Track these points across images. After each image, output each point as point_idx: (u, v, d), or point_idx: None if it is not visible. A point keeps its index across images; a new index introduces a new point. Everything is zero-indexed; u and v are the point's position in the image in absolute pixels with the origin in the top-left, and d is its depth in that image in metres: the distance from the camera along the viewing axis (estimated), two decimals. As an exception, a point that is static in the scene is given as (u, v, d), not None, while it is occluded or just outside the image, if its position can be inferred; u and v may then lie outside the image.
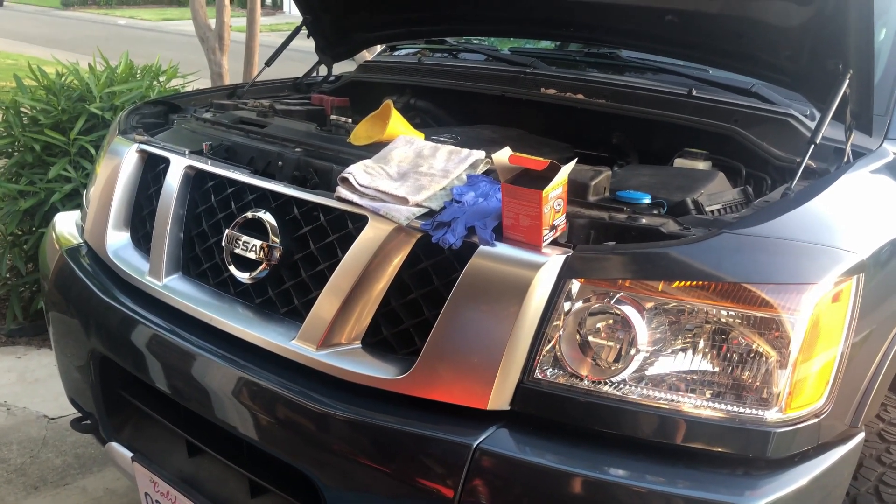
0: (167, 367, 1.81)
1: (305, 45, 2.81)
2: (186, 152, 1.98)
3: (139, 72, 4.04)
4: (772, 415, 1.37)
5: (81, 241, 2.23)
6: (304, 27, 2.75)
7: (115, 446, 2.01)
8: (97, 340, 2.00)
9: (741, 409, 1.37)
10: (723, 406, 1.38)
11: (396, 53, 3.00)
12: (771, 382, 1.37)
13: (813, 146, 1.65)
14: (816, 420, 1.41)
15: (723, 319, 1.38)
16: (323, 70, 2.90)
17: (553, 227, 1.43)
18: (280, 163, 1.86)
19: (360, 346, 1.60)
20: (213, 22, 5.40)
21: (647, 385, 1.40)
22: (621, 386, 1.40)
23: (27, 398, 3.17)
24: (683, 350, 1.40)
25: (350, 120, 2.20)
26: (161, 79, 4.04)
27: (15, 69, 4.01)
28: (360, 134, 1.91)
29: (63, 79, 3.78)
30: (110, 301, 1.95)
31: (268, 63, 2.73)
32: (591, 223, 1.50)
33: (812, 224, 1.50)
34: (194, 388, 1.76)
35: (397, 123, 1.87)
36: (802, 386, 1.39)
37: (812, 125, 1.83)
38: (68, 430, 2.34)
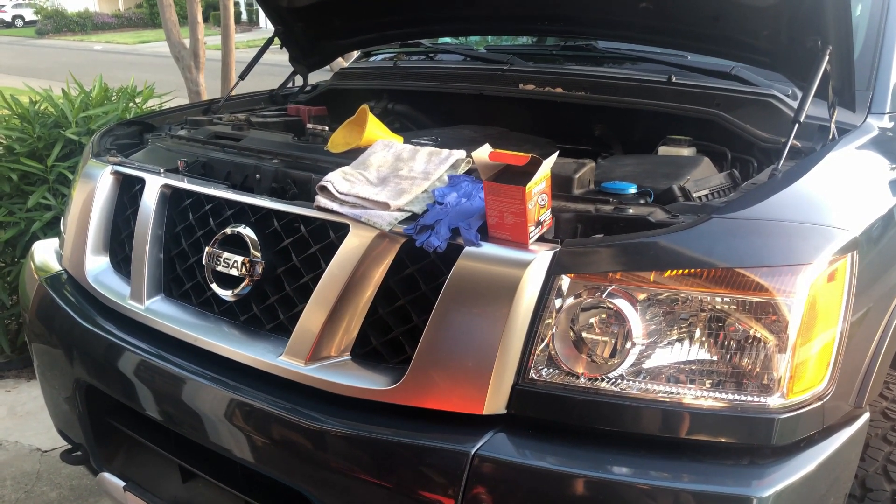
0: (154, 392, 1.77)
1: (282, 58, 2.77)
2: (161, 171, 1.93)
3: (114, 94, 3.99)
4: (774, 401, 1.34)
5: (60, 268, 2.18)
6: (276, 39, 2.72)
7: (107, 476, 1.96)
8: (82, 369, 1.95)
9: (743, 397, 1.34)
10: (724, 395, 1.34)
11: (372, 59, 2.96)
12: (771, 368, 1.33)
13: (797, 125, 1.62)
14: (820, 403, 1.38)
15: (718, 306, 1.35)
16: (299, 80, 2.86)
17: (539, 223, 1.40)
18: (258, 176, 1.82)
19: (349, 357, 1.56)
20: (187, 41, 5.34)
21: (646, 379, 1.37)
22: (619, 381, 1.37)
23: (19, 432, 3.11)
24: (680, 340, 1.37)
25: (327, 128, 2.16)
26: (137, 100, 4.00)
27: (-11, 101, 3.95)
28: (338, 141, 1.87)
29: (37, 106, 3.73)
30: (93, 328, 1.90)
31: (241, 76, 2.69)
32: (578, 217, 1.47)
33: (802, 204, 1.48)
34: (183, 412, 1.71)
35: (374, 128, 1.83)
36: (803, 369, 1.35)
37: (795, 104, 1.80)
38: (62, 462, 2.30)
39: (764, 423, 1.33)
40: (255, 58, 2.64)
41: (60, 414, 2.15)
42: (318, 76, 2.98)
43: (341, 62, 3.76)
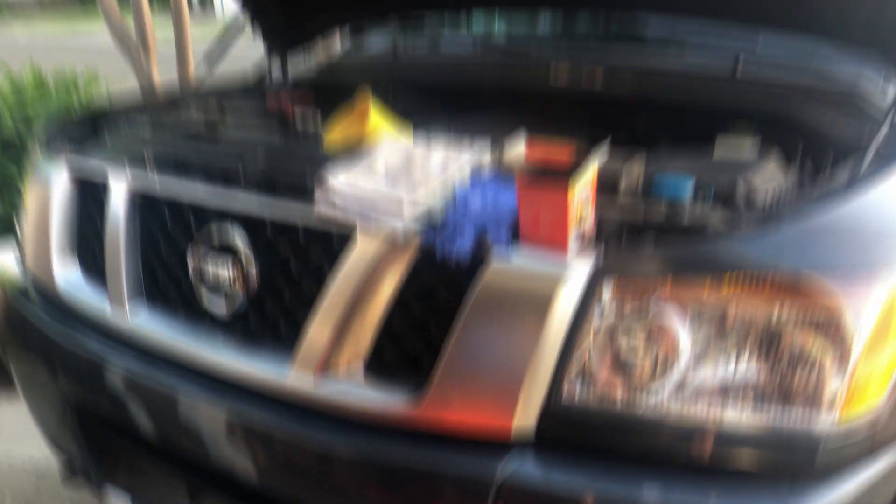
0: (146, 412, 1.61)
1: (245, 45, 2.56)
2: (127, 169, 1.70)
3: (52, 83, 3.67)
4: (828, 422, 1.22)
5: (23, 277, 1.95)
6: (245, 19, 2.48)
7: (111, 493, 1.82)
8: (67, 386, 1.78)
9: (796, 419, 1.22)
10: (778, 415, 1.23)
11: (366, 45, 2.66)
12: (830, 387, 1.22)
13: (890, 124, 1.45)
14: (874, 422, 1.27)
15: (778, 320, 1.22)
16: (276, 67, 2.61)
17: (580, 227, 1.26)
18: (242, 174, 1.57)
19: (361, 373, 1.41)
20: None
21: (691, 398, 1.24)
22: (661, 401, 1.24)
23: (17, 448, 2.85)
24: (731, 358, 1.24)
25: (319, 120, 1.95)
26: (80, 88, 3.69)
27: None
28: (337, 137, 1.69)
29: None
30: (69, 343, 1.72)
31: (208, 66, 2.46)
32: (624, 220, 1.32)
33: (879, 211, 1.33)
34: (180, 432, 1.56)
35: (378, 121, 1.66)
36: (864, 387, 1.24)
37: (886, 99, 1.63)
38: (63, 483, 2.13)
39: (814, 445, 1.22)
40: (222, 44, 2.42)
41: (51, 428, 1.96)
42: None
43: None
